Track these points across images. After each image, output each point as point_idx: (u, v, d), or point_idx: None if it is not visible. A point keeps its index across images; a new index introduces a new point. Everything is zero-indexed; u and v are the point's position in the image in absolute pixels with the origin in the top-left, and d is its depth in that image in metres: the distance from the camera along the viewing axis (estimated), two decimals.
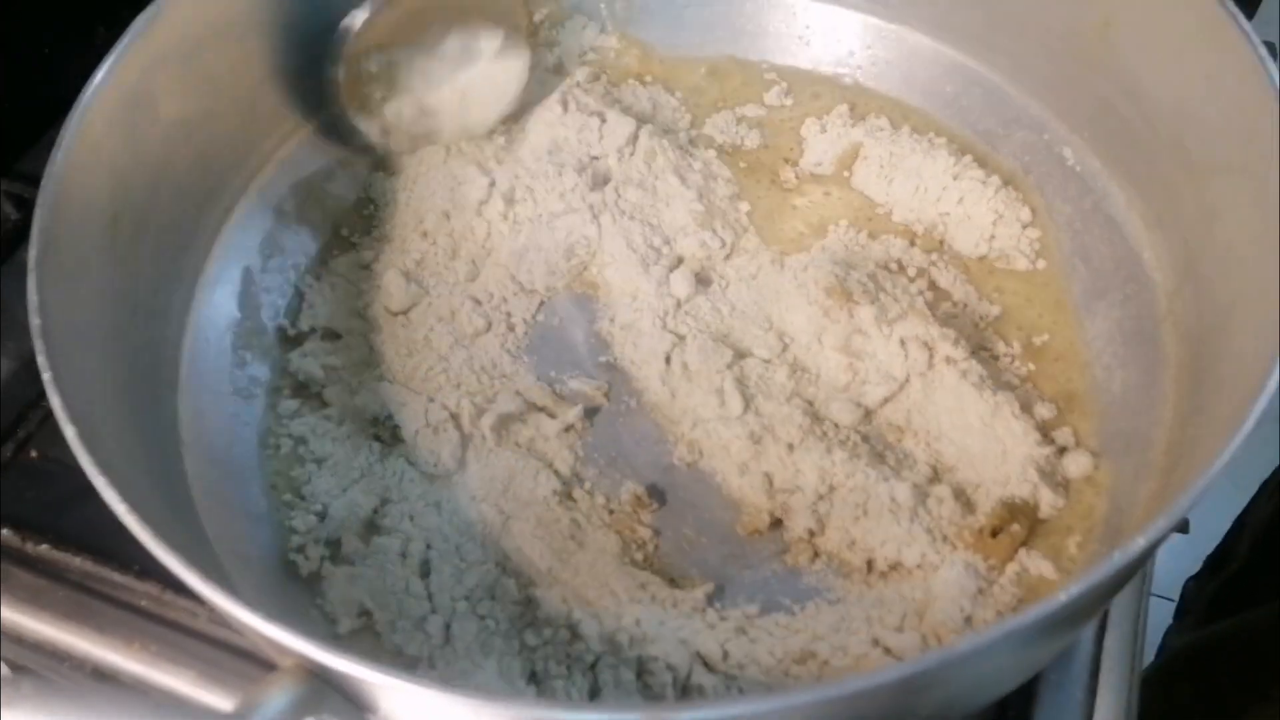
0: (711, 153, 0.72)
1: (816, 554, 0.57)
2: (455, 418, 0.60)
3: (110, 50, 0.55)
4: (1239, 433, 0.43)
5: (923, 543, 0.55)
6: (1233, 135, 0.55)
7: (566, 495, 0.59)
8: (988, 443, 0.58)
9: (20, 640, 0.55)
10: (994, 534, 0.55)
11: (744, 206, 0.70)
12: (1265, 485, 1.00)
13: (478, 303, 0.65)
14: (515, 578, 0.55)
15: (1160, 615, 0.83)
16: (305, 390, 0.62)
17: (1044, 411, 0.60)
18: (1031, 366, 0.62)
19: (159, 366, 0.59)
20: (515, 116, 0.72)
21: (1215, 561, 1.06)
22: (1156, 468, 0.55)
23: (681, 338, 0.63)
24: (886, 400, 0.60)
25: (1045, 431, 0.58)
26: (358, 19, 0.65)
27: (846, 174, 0.71)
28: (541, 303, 0.67)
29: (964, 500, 0.57)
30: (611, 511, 0.59)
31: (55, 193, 0.51)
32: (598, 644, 0.52)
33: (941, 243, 0.68)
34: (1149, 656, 0.94)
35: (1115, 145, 0.64)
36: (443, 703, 0.38)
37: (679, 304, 0.65)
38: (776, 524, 0.58)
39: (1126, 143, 0.63)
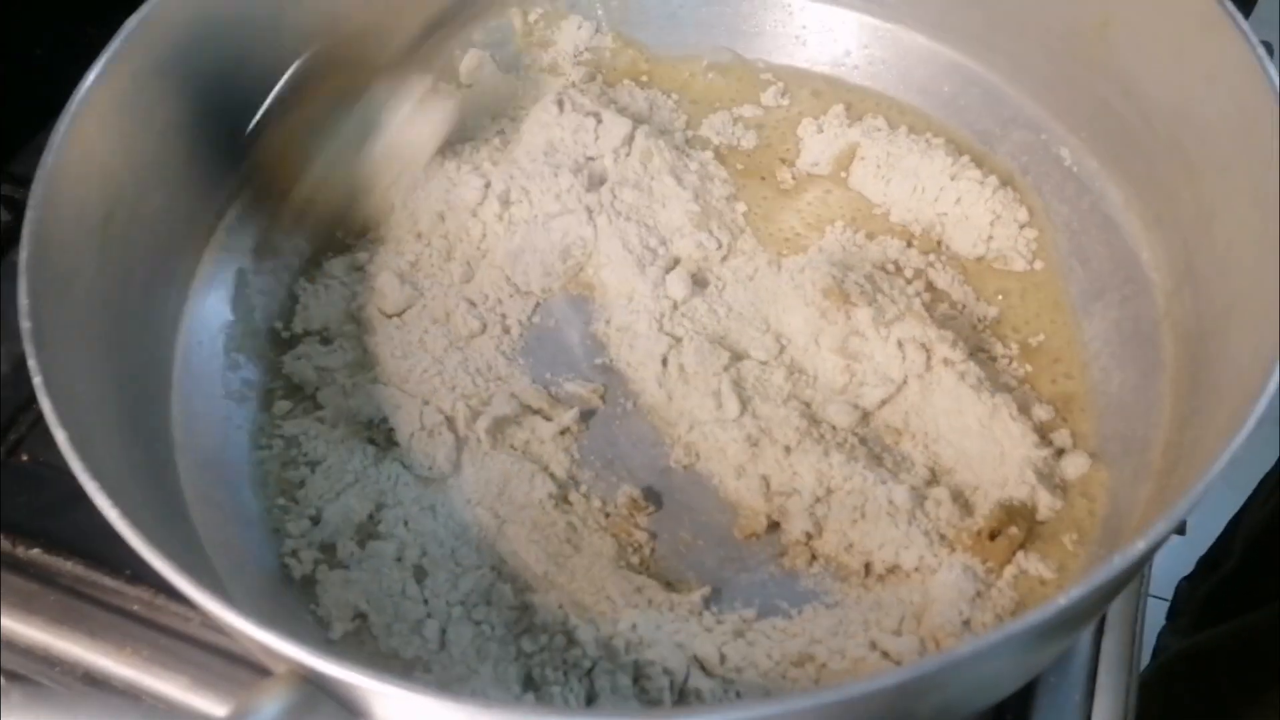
0: (708, 153, 0.71)
1: (814, 557, 0.56)
2: (450, 420, 0.60)
3: (102, 52, 0.55)
4: (1238, 435, 0.42)
5: (920, 545, 0.54)
6: (1231, 135, 0.55)
7: (562, 498, 0.58)
8: (986, 445, 0.57)
9: (12, 645, 0.55)
10: (992, 536, 0.55)
11: (740, 207, 0.69)
12: (1261, 486, 1.00)
13: (473, 304, 0.65)
14: (511, 582, 0.55)
15: (1153, 615, 0.83)
16: (299, 393, 0.62)
17: (1042, 413, 0.59)
18: (1029, 368, 0.62)
19: (151, 369, 0.58)
20: (511, 118, 0.72)
21: (1209, 562, 1.06)
22: (1155, 470, 0.55)
23: (678, 339, 0.63)
24: (884, 402, 0.60)
25: (1043, 433, 0.58)
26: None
27: (843, 174, 0.71)
28: (537, 304, 0.66)
29: (962, 503, 0.57)
30: (607, 515, 0.58)
31: (46, 195, 0.51)
32: (594, 649, 0.52)
33: (939, 243, 0.68)
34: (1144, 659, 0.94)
35: (1113, 145, 0.64)
36: (438, 709, 0.38)
37: (675, 305, 0.64)
38: (774, 527, 0.58)
39: (1124, 142, 0.63)
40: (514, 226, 0.67)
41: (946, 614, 0.52)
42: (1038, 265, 0.66)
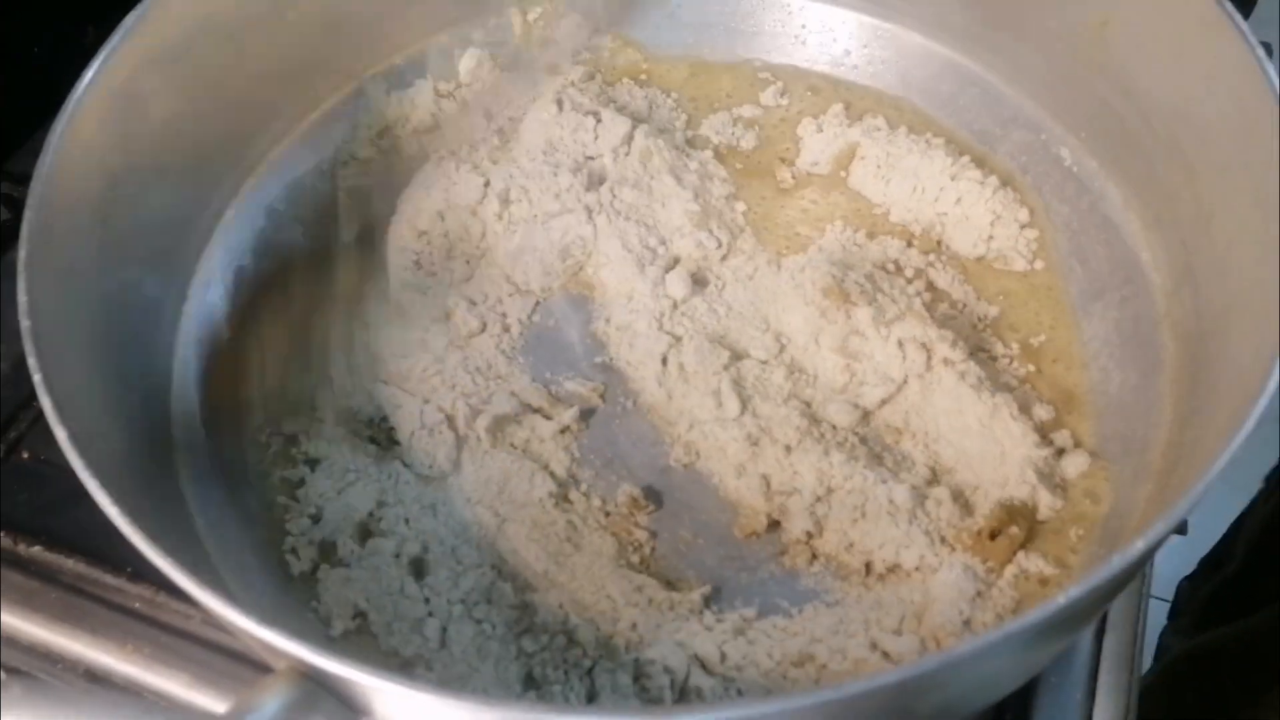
0: (708, 153, 0.71)
1: (814, 556, 0.56)
2: (450, 419, 0.60)
3: (100, 50, 0.55)
4: (1238, 435, 0.42)
5: (921, 545, 0.54)
6: (1230, 135, 0.55)
7: (562, 497, 0.58)
8: (986, 444, 0.57)
9: (13, 643, 0.55)
10: (992, 536, 0.55)
11: (740, 207, 0.69)
12: (1264, 486, 1.00)
13: (473, 303, 0.65)
14: (511, 581, 0.55)
15: (1155, 616, 0.83)
16: None
17: (1042, 413, 0.59)
18: (1030, 367, 0.62)
19: (151, 367, 0.58)
20: (510, 117, 0.72)
21: (1211, 562, 1.06)
22: (1155, 469, 0.55)
23: (678, 339, 0.63)
24: (884, 402, 0.60)
25: (1044, 433, 0.58)
26: None
27: (843, 174, 0.71)
28: (537, 303, 0.66)
29: (962, 502, 0.57)
30: (608, 513, 0.58)
31: (45, 193, 0.51)
32: (594, 648, 0.52)
33: (939, 243, 0.68)
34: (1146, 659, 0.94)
35: (1113, 145, 0.64)
36: (438, 706, 0.37)
37: (675, 305, 0.64)
38: (774, 526, 0.58)
39: (1124, 143, 0.63)
40: (514, 225, 0.67)
41: (947, 613, 0.52)
42: (1038, 265, 0.66)
